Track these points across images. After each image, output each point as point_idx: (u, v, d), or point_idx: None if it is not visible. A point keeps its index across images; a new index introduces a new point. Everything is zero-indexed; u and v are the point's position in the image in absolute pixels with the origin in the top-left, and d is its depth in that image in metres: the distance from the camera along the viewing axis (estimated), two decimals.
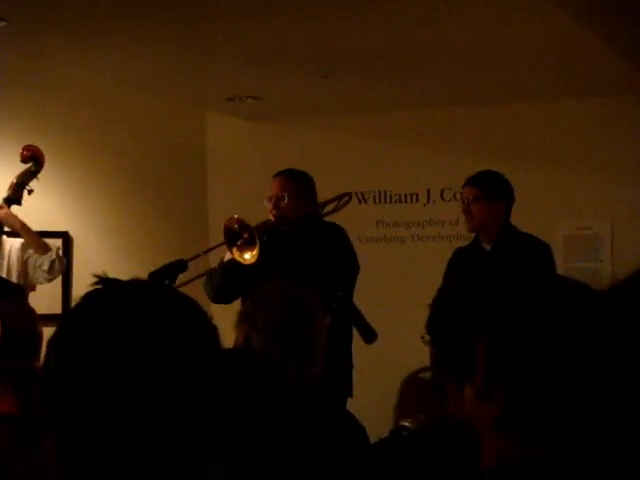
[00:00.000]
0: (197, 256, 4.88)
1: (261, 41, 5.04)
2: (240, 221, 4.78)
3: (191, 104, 7.07)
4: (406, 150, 7.00)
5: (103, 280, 1.40)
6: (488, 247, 5.10)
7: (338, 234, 5.09)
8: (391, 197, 7.09)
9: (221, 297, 4.99)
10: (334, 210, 5.20)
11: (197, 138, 7.31)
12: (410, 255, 6.97)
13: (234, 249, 4.77)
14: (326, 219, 5.17)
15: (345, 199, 5.24)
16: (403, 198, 7.06)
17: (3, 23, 4.42)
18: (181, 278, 4.48)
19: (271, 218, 5.04)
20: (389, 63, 5.58)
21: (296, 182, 5.08)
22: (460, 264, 5.18)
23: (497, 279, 1.93)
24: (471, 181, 5.15)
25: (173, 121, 7.17)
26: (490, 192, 5.07)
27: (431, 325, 2.19)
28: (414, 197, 7.03)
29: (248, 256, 4.73)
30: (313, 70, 5.67)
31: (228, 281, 4.88)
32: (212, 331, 1.39)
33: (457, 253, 5.31)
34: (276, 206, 5.02)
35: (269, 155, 7.06)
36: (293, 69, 5.64)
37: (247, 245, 4.75)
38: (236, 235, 4.78)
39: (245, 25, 4.74)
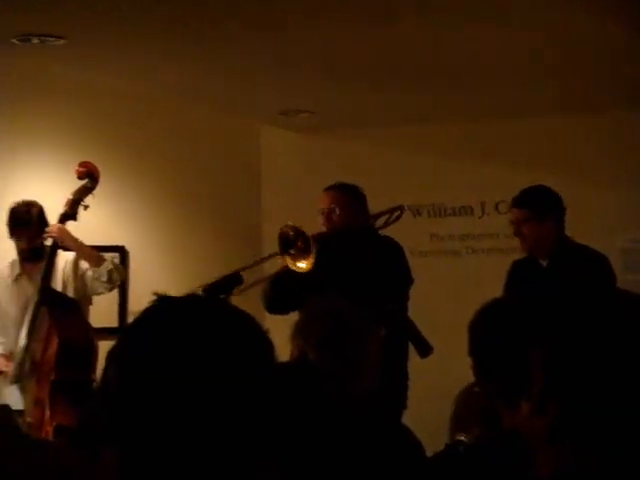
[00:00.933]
0: (250, 266, 4.88)
1: (314, 55, 5.06)
2: (295, 228, 4.78)
3: (245, 118, 7.11)
4: (460, 163, 6.97)
5: (161, 296, 1.42)
6: (544, 263, 5.01)
7: (391, 247, 5.08)
8: (445, 210, 7.06)
9: (274, 307, 5.00)
10: (387, 223, 5.19)
11: (251, 151, 7.34)
12: (465, 268, 6.94)
13: (288, 257, 4.77)
14: (380, 232, 5.16)
15: (397, 213, 5.22)
16: (457, 211, 7.03)
17: (63, 41, 4.49)
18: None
19: (323, 231, 5.04)
20: (442, 75, 5.57)
21: (346, 195, 5.09)
22: (518, 278, 5.10)
23: (553, 294, 1.92)
24: (517, 202, 4.99)
25: (227, 135, 7.21)
26: (538, 211, 4.92)
27: (480, 342, 2.17)
28: (468, 210, 7.00)
29: (302, 264, 4.71)
30: (366, 83, 5.68)
31: (280, 291, 4.89)
32: (267, 345, 1.40)
33: (515, 266, 5.21)
34: (328, 219, 5.03)
35: (322, 168, 7.07)
36: (346, 82, 5.66)
37: (301, 253, 4.75)
38: (291, 243, 4.77)
39: (298, 40, 4.76)
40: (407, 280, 5.05)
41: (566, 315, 1.52)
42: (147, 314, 1.41)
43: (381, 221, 5.19)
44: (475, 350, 2.21)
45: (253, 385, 1.35)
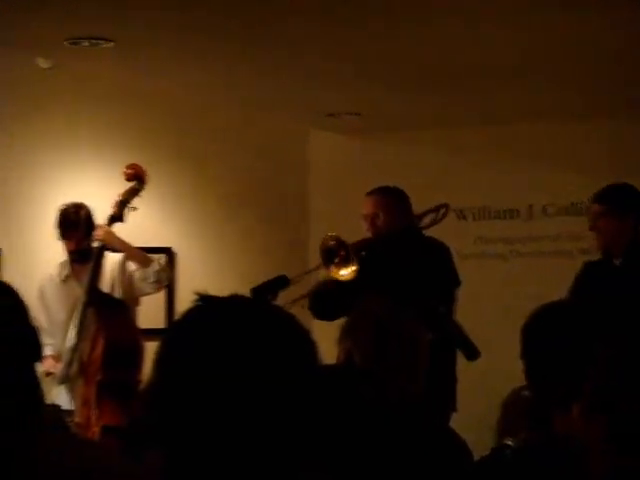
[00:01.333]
0: (297, 277, 4.93)
1: (361, 58, 5.07)
2: (336, 238, 4.83)
3: (293, 120, 7.13)
4: (507, 166, 6.94)
5: (203, 297, 1.43)
6: (617, 262, 4.94)
7: (438, 248, 5.06)
8: (491, 213, 7.03)
9: (322, 314, 5.03)
10: (433, 223, 5.17)
11: (299, 154, 7.35)
12: (510, 271, 6.90)
13: (332, 266, 4.81)
14: (426, 234, 5.15)
15: (442, 210, 5.20)
16: (503, 214, 6.99)
17: (111, 44, 4.53)
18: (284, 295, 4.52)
19: (369, 237, 5.04)
20: (489, 78, 5.55)
21: (388, 198, 5.08)
22: (589, 278, 5.03)
23: (625, 294, 1.90)
24: (599, 197, 4.94)
25: (275, 137, 7.23)
26: (619, 207, 4.87)
27: (533, 345, 2.16)
28: (515, 213, 6.96)
29: (345, 273, 4.77)
30: (413, 86, 5.67)
31: (327, 299, 4.91)
32: (311, 347, 1.40)
33: (586, 267, 5.12)
34: (372, 224, 5.02)
35: (370, 170, 7.06)
36: (393, 85, 5.65)
37: (344, 262, 4.79)
38: (333, 252, 4.82)
39: (345, 43, 4.76)
40: (454, 282, 5.03)
41: (622, 320, 1.51)
42: (189, 315, 1.42)
43: (427, 221, 5.17)
44: (528, 353, 2.20)
45: (296, 386, 1.36)
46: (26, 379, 2.09)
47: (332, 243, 4.83)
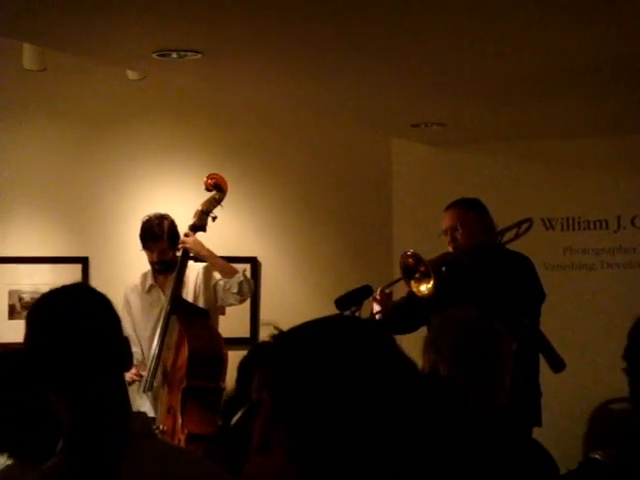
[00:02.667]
0: (388, 286, 4.96)
1: (445, 68, 5.04)
2: (414, 255, 4.85)
3: (376, 130, 7.12)
4: (595, 176, 6.86)
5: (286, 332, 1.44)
6: None
7: (521, 262, 5.00)
8: (579, 224, 6.94)
9: (396, 329, 5.03)
10: (515, 237, 5.12)
11: (382, 164, 7.34)
12: (599, 282, 6.81)
13: (412, 282, 4.84)
14: (511, 247, 5.09)
15: (525, 225, 5.15)
16: (592, 225, 6.91)
17: (199, 56, 4.57)
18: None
19: (449, 251, 5.01)
20: (573, 89, 5.48)
21: (468, 211, 5.01)
22: None
23: None
24: None
25: (359, 147, 7.23)
26: None
27: (632, 352, 2.13)
28: (603, 224, 6.87)
29: (423, 288, 4.79)
30: (496, 97, 5.63)
31: (402, 313, 4.93)
32: (401, 361, 1.41)
33: None
34: (452, 238, 4.98)
35: (454, 181, 7.03)
36: (477, 95, 5.61)
37: (423, 278, 4.82)
38: (412, 269, 4.85)
39: (429, 53, 4.75)
40: (539, 295, 4.97)
41: None
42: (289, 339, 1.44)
43: (510, 235, 5.13)
44: (632, 355, 2.16)
45: (393, 401, 1.36)
46: (116, 388, 2.12)
47: (410, 260, 4.86)
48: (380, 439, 1.35)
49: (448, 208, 5.07)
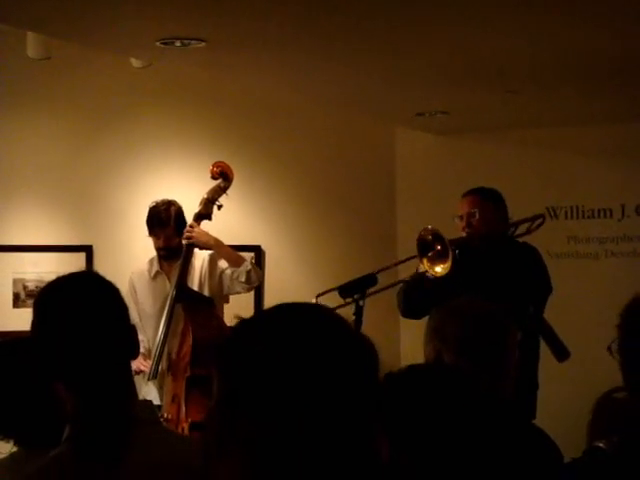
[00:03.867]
0: (386, 268, 4.90)
1: (450, 57, 5.04)
2: (434, 232, 4.79)
3: (381, 119, 7.12)
4: (599, 165, 6.85)
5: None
6: None
7: (530, 253, 5.02)
8: (583, 212, 6.94)
9: (409, 312, 5.00)
10: (527, 232, 5.13)
11: (387, 153, 7.34)
12: (603, 271, 6.81)
13: (425, 260, 4.77)
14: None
15: (538, 221, 5.16)
16: (596, 213, 6.91)
17: (202, 44, 4.57)
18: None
19: (463, 236, 5.01)
20: (577, 77, 5.47)
21: (486, 199, 5.05)
22: None
23: None
24: None
25: (363, 136, 7.23)
26: None
27: (625, 342, 2.13)
28: (608, 212, 6.87)
29: (439, 269, 4.73)
30: (500, 84, 5.62)
31: (414, 297, 4.87)
32: (366, 355, 1.40)
33: None
34: (468, 224, 4.99)
35: (458, 170, 7.03)
36: (481, 84, 5.61)
37: (439, 257, 4.75)
38: (428, 246, 4.78)
39: (434, 42, 4.74)
40: (545, 287, 4.97)
41: None
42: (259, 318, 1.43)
43: (522, 229, 5.13)
44: (625, 347, 2.16)
45: (359, 392, 1.36)
46: (122, 375, 2.12)
47: (429, 236, 4.80)
48: (339, 427, 1.33)
49: (467, 194, 5.08)
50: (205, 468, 1.78)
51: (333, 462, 1.32)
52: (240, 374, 1.36)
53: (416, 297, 4.85)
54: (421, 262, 4.79)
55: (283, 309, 1.44)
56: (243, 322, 1.42)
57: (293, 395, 1.33)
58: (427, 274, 4.75)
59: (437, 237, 4.77)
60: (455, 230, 5.04)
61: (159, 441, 2.10)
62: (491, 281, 4.65)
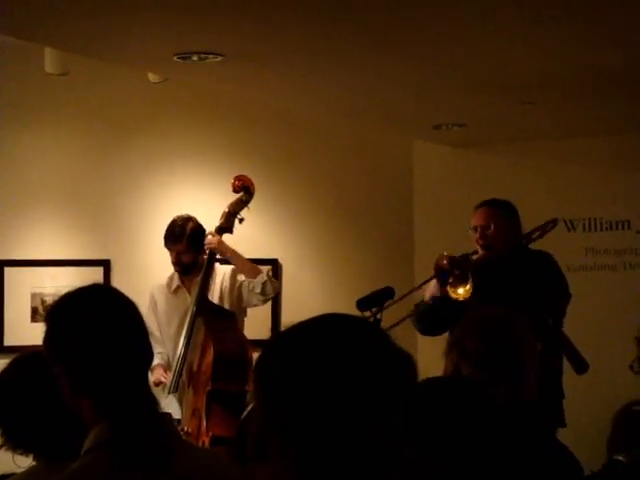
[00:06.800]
0: (408, 293, 4.91)
1: (466, 69, 5.04)
2: (450, 258, 4.81)
3: (398, 132, 7.12)
4: (616, 176, 6.83)
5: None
6: None
7: (547, 262, 5.01)
8: (601, 224, 6.92)
9: (428, 332, 5.03)
10: (540, 236, 5.12)
11: (404, 165, 7.33)
12: (621, 283, 6.78)
13: (448, 286, 4.80)
14: (534, 247, 5.10)
15: (551, 225, 5.16)
16: (614, 225, 6.88)
17: (219, 58, 4.58)
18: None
19: (477, 248, 5.01)
20: (595, 89, 5.47)
21: (500, 211, 5.04)
22: None
23: None
24: None
25: (380, 149, 7.23)
26: None
27: None
28: (625, 224, 6.84)
29: (461, 291, 4.75)
30: (517, 96, 5.62)
31: (435, 317, 4.89)
32: (395, 358, 1.40)
33: None
34: (482, 235, 4.98)
35: (475, 182, 7.01)
36: (498, 96, 5.61)
37: (458, 281, 4.77)
38: (446, 272, 4.80)
39: (450, 54, 4.75)
40: (564, 295, 4.97)
41: None
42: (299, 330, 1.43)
43: (535, 235, 5.13)
44: None
45: (391, 400, 1.36)
46: (139, 388, 2.12)
47: (445, 263, 4.82)
48: (376, 436, 1.34)
49: (481, 206, 5.08)
50: (243, 471, 1.79)
51: (367, 465, 1.33)
52: (280, 383, 1.37)
53: (431, 320, 4.89)
54: (443, 289, 4.81)
55: (324, 320, 1.45)
56: (280, 334, 1.43)
57: (330, 402, 1.34)
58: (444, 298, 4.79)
59: (453, 263, 4.80)
60: (473, 242, 5.03)
61: (192, 451, 2.12)
62: (508, 292, 4.64)
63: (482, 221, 5.01)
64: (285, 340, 1.42)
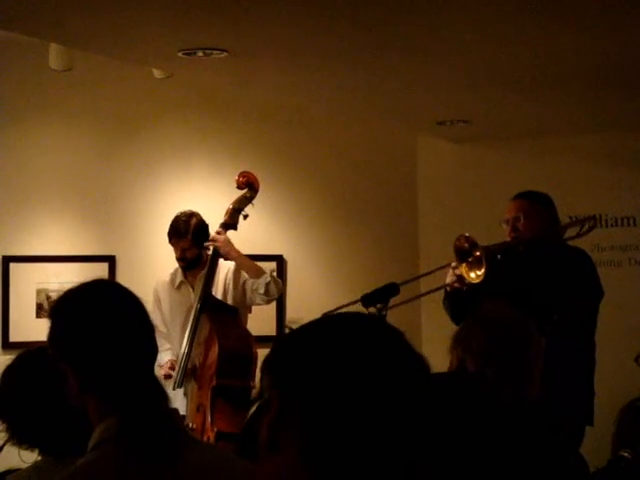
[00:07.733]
0: (409, 281, 4.89)
1: (470, 65, 5.04)
2: (470, 240, 4.76)
3: (402, 128, 7.11)
4: (622, 173, 6.82)
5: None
6: None
7: (578, 257, 4.95)
8: (606, 221, 6.91)
9: (458, 318, 4.98)
10: (577, 235, 5.07)
11: (408, 161, 7.33)
12: (626, 279, 6.77)
13: (464, 264, 4.73)
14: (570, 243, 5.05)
15: (590, 223, 5.10)
16: (619, 221, 6.87)
17: (224, 54, 4.58)
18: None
19: (507, 240, 4.97)
20: (599, 85, 5.46)
21: (532, 203, 4.96)
22: None
23: None
24: None
25: (384, 145, 7.23)
26: None
27: None
28: (631, 220, 6.84)
29: (474, 275, 4.70)
30: (521, 92, 5.61)
31: (459, 303, 4.83)
32: (410, 356, 1.41)
33: None
34: (513, 228, 4.93)
35: (479, 178, 7.01)
36: (502, 92, 5.60)
37: (476, 264, 4.72)
38: (466, 253, 4.75)
39: (454, 50, 4.74)
40: (596, 292, 4.93)
41: None
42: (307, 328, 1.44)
43: (571, 233, 5.07)
44: None
45: (407, 398, 1.37)
46: (145, 383, 2.12)
47: (466, 245, 4.77)
48: (389, 434, 1.35)
49: (514, 198, 5.02)
50: (254, 463, 1.79)
51: (379, 461, 1.35)
52: (294, 375, 1.38)
53: (457, 304, 4.83)
54: (459, 266, 4.75)
55: (336, 319, 1.46)
56: (294, 332, 1.44)
57: (347, 393, 1.35)
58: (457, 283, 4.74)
59: (473, 244, 4.74)
60: (500, 236, 4.98)
61: (199, 447, 2.12)
62: (532, 286, 4.61)
63: (512, 213, 4.93)
64: (309, 331, 1.43)
